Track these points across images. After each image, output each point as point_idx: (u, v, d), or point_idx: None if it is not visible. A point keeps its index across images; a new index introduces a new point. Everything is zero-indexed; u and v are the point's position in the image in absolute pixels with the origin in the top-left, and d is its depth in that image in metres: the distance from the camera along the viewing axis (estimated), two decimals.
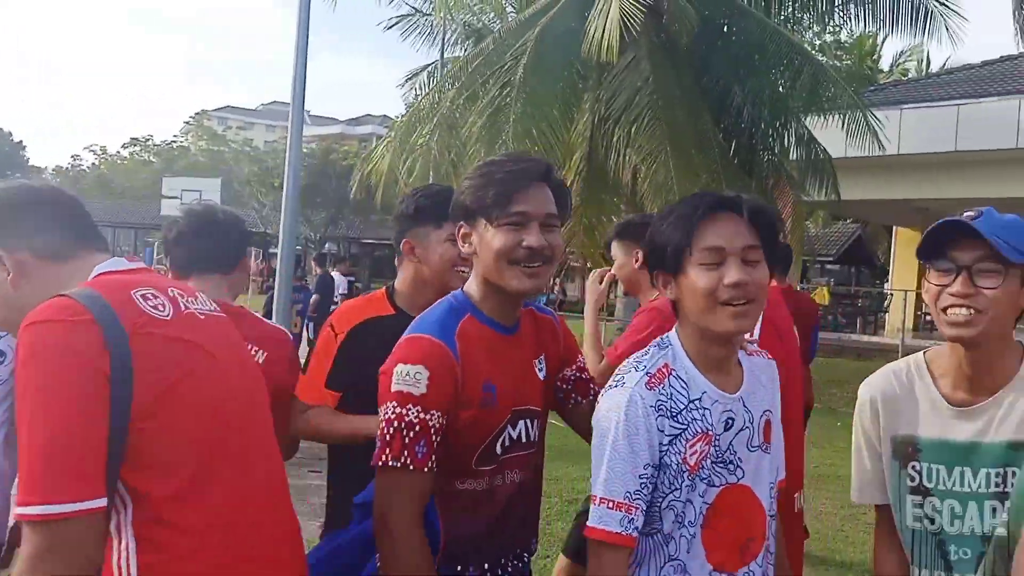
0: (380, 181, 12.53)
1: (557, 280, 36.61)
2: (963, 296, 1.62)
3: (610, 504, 1.58)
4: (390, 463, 1.64)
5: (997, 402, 1.67)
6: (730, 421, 1.67)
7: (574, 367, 2.03)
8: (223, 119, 55.46)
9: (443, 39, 16.11)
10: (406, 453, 1.63)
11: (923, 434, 1.73)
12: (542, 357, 1.94)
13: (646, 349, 1.72)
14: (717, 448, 1.65)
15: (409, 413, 1.63)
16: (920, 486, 1.75)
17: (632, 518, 1.58)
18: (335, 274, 14.17)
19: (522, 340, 1.88)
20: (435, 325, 1.73)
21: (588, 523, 1.61)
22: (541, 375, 1.92)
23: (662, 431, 1.60)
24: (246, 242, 2.44)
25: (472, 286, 1.83)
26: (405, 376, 1.64)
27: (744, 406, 1.69)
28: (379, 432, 1.67)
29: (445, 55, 16.75)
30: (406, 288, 2.36)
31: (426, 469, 1.66)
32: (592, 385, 2.04)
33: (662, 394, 1.62)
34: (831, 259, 29.87)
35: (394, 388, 1.65)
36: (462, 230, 1.80)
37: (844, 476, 7.99)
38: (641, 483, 1.58)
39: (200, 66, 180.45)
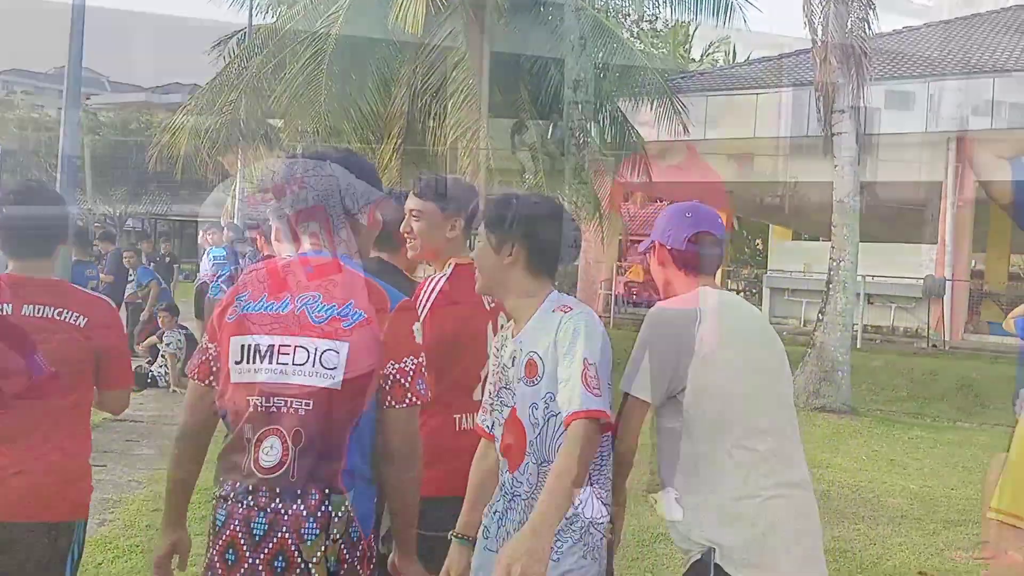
0: (180, 152, 11.62)
1: None
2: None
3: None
4: (428, 401, 2.02)
5: None
6: (515, 359, 2.21)
7: None
8: (8, 83, 50.01)
9: (251, 2, 15.18)
10: None
11: None
12: None
13: None
14: (504, 378, 2.24)
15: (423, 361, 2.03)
16: None
17: (484, 418, 2.32)
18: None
19: None
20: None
21: None
22: None
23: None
24: (67, 219, 2.53)
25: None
26: (419, 333, 2.05)
27: (521, 348, 2.20)
28: (408, 379, 1.97)
29: (258, 21, 15.80)
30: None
31: None
32: None
33: (498, 338, 2.36)
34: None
35: (418, 342, 2.03)
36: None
37: None
38: (488, 393, 2.32)
39: None
